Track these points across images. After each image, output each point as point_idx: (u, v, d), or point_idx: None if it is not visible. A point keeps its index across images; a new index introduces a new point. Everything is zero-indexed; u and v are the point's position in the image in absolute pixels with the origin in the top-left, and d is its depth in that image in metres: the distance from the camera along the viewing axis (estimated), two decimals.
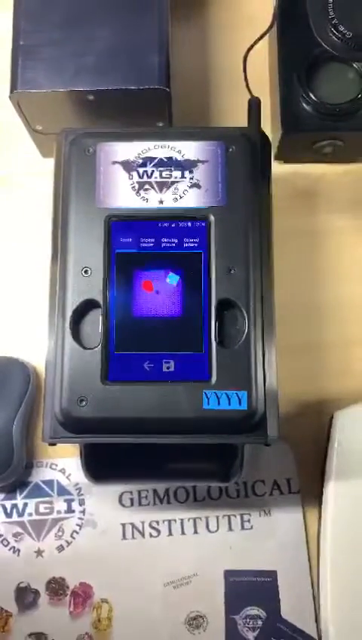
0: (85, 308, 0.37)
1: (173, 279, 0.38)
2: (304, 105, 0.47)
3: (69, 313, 0.37)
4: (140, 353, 0.37)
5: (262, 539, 0.46)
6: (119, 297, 0.37)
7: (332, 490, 0.43)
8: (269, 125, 0.51)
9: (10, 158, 0.53)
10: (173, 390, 0.36)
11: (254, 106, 0.43)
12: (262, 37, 0.46)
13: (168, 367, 0.36)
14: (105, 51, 0.43)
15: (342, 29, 0.37)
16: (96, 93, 0.43)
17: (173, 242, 0.38)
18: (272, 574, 0.46)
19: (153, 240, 0.38)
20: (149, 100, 0.44)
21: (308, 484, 0.47)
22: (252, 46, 0.46)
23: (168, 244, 0.38)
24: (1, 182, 0.53)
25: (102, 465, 0.40)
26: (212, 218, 0.38)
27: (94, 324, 0.37)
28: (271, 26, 0.47)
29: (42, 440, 0.38)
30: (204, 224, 0.38)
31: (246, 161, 0.39)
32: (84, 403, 0.36)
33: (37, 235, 0.50)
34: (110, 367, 0.36)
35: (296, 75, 0.47)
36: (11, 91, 0.43)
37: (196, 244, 0.38)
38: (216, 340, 0.37)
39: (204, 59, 0.54)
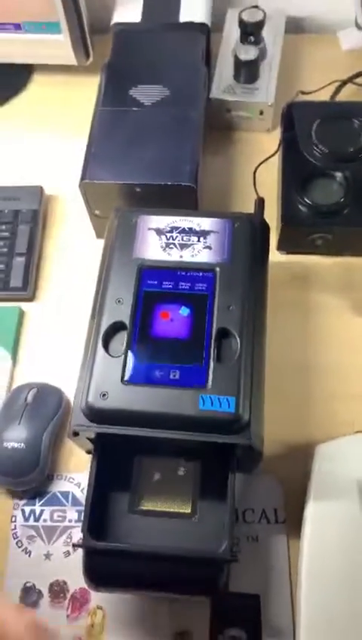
0: (116, 328, 0.48)
1: (184, 311, 0.48)
2: (300, 206, 0.61)
3: (102, 330, 0.48)
4: (153, 364, 0.46)
5: (248, 563, 0.50)
6: (142, 322, 0.48)
7: (310, 511, 0.48)
8: (274, 223, 0.64)
9: (71, 236, 0.68)
10: (176, 392, 0.45)
11: (259, 202, 0.57)
12: (268, 158, 0.62)
13: (174, 375, 0.46)
14: (153, 159, 0.59)
15: (320, 147, 0.52)
16: (142, 187, 0.58)
17: (187, 285, 0.50)
18: (256, 598, 0.50)
19: (172, 283, 0.50)
20: (181, 194, 0.58)
21: (293, 515, 0.52)
22: (260, 164, 0.62)
23: (183, 287, 0.49)
24: (59, 249, 0.67)
25: (102, 573, 0.44)
26: (218, 270, 0.50)
27: (121, 340, 0.48)
28: (276, 151, 0.62)
29: (67, 435, 0.47)
30: (211, 274, 0.50)
31: (247, 233, 0.52)
32: (105, 397, 0.45)
33: (80, 291, 0.63)
34: (129, 371, 0.46)
35: (294, 184, 0.61)
36: (81, 180, 0.59)
37: (204, 288, 0.49)
38: (214, 357, 0.46)
39: (226, 173, 0.70)
